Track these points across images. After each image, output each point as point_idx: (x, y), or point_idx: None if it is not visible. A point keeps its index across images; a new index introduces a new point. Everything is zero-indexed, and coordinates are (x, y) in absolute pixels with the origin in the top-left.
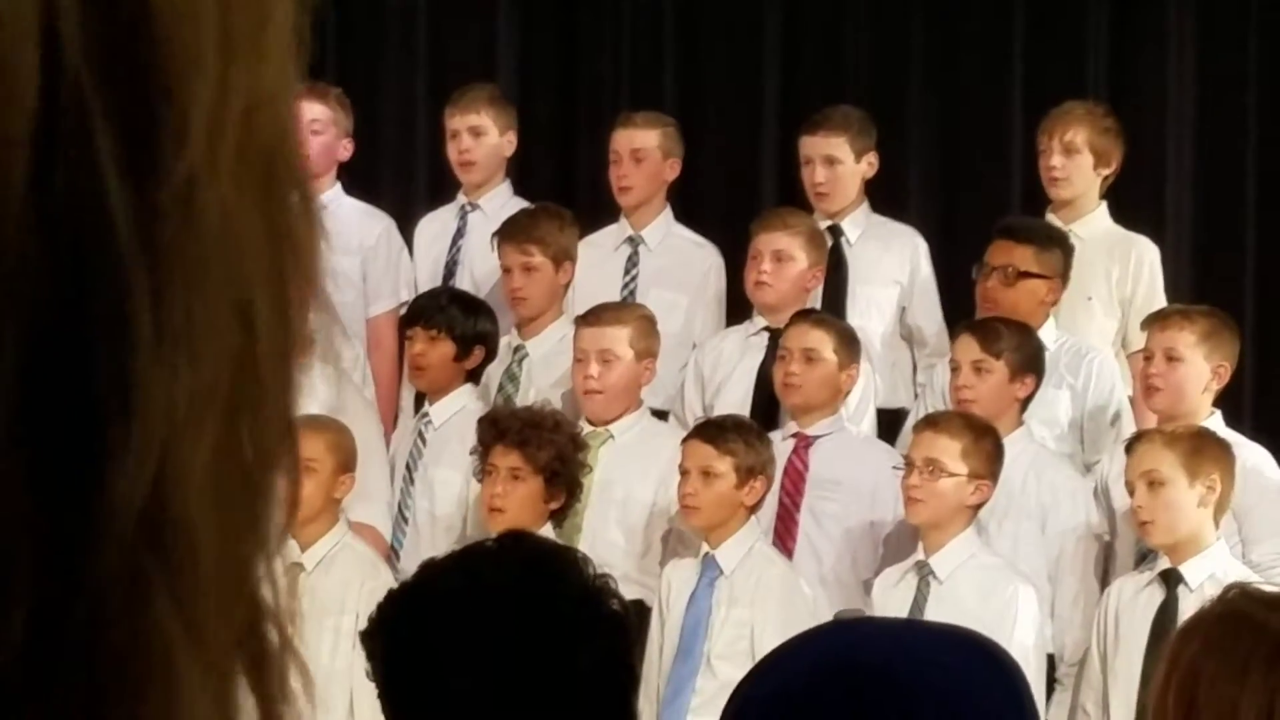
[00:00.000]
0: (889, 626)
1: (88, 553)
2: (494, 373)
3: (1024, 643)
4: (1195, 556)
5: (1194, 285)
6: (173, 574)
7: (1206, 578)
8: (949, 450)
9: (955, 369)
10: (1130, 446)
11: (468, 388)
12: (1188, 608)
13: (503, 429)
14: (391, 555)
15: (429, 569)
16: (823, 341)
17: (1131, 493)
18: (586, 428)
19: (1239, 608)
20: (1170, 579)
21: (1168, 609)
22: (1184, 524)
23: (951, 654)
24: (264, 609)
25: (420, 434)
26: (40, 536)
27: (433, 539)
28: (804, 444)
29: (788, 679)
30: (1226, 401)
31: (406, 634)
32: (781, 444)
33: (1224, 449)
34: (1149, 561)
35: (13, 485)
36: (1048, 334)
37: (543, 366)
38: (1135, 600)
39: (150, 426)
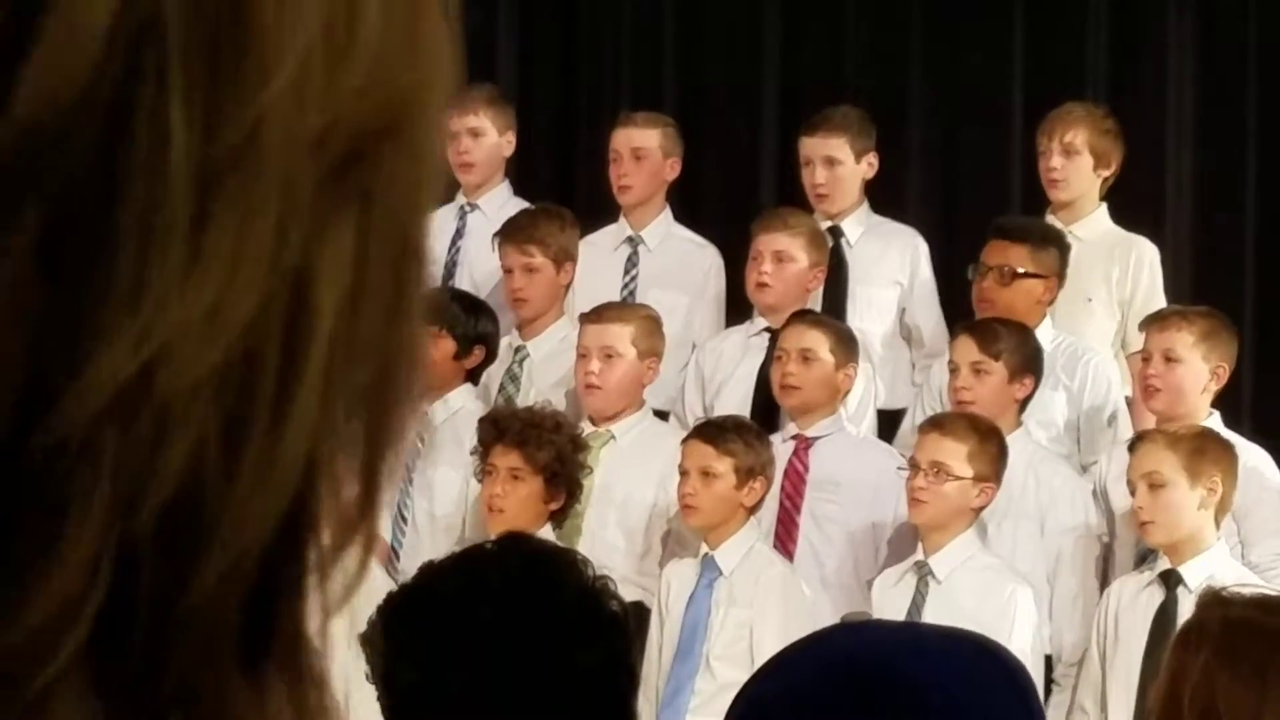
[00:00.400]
0: (897, 629)
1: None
2: (494, 373)
3: (1021, 644)
4: (1195, 558)
5: (1193, 287)
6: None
7: (1206, 579)
8: (955, 453)
9: (954, 370)
10: (1133, 446)
11: (466, 387)
12: (1187, 609)
13: (503, 429)
14: (391, 556)
15: (429, 571)
16: (819, 341)
17: (1133, 492)
18: (588, 428)
19: (1238, 615)
20: (1170, 580)
21: (1167, 610)
22: (1184, 525)
23: (960, 657)
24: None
25: (419, 434)
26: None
27: (432, 539)
28: (804, 445)
29: (796, 680)
30: (1226, 403)
31: (406, 636)
32: (781, 446)
33: (1227, 451)
34: (1149, 562)
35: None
36: (1044, 334)
37: (543, 367)
38: (1135, 601)
39: (150, 330)
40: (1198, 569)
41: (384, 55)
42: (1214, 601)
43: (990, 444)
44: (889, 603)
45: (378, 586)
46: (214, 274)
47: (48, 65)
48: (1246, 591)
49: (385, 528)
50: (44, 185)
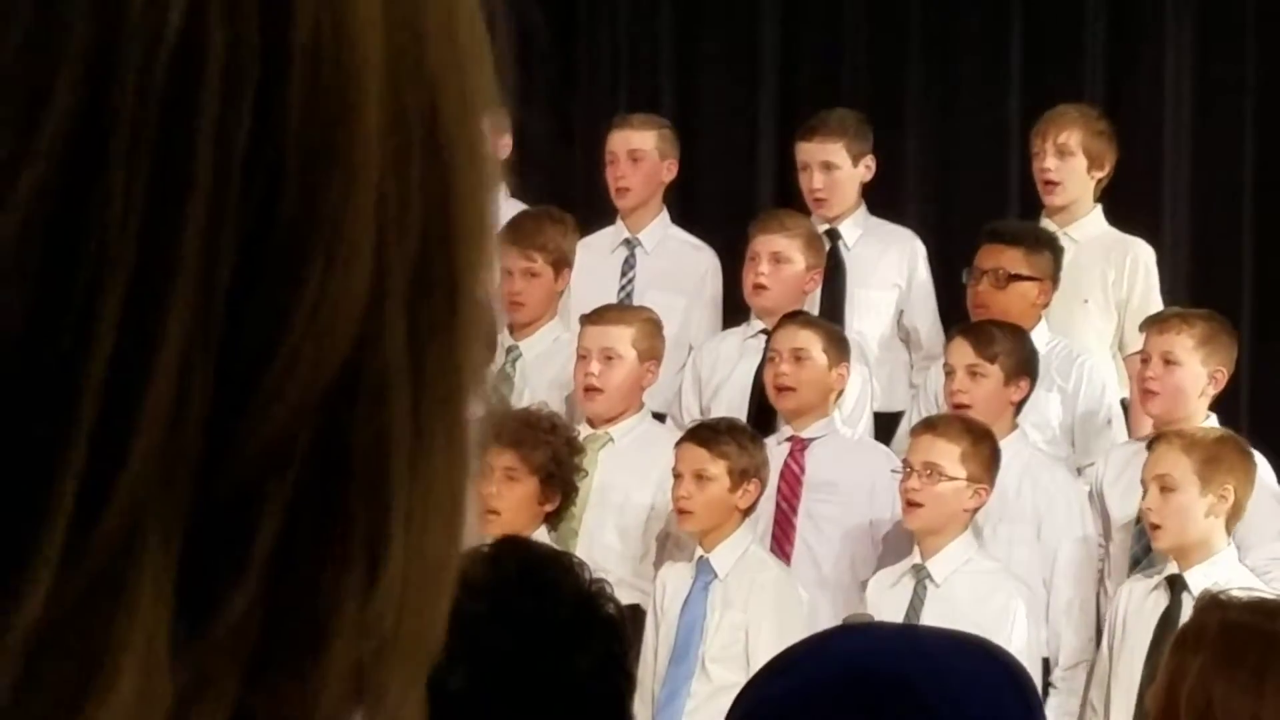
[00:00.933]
0: (900, 631)
1: (310, 655)
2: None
3: (1018, 647)
4: (1202, 563)
5: (1191, 290)
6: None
7: (1211, 585)
8: (948, 454)
9: (949, 373)
10: (1150, 445)
11: None
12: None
13: (497, 428)
14: None
15: None
16: (811, 341)
17: (1145, 491)
18: (586, 430)
19: (1234, 619)
20: (1175, 585)
21: (1171, 615)
22: (1191, 531)
23: (964, 661)
24: None
25: None
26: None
27: None
28: (799, 447)
29: (798, 681)
30: (1223, 405)
31: None
32: (777, 448)
33: (1243, 457)
34: (1150, 565)
35: (262, 596)
36: (1039, 336)
37: (536, 367)
38: (1143, 603)
39: (391, 582)
40: (1204, 576)
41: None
42: (1212, 605)
43: (983, 445)
44: (886, 605)
45: None
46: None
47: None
48: (1244, 595)
49: None
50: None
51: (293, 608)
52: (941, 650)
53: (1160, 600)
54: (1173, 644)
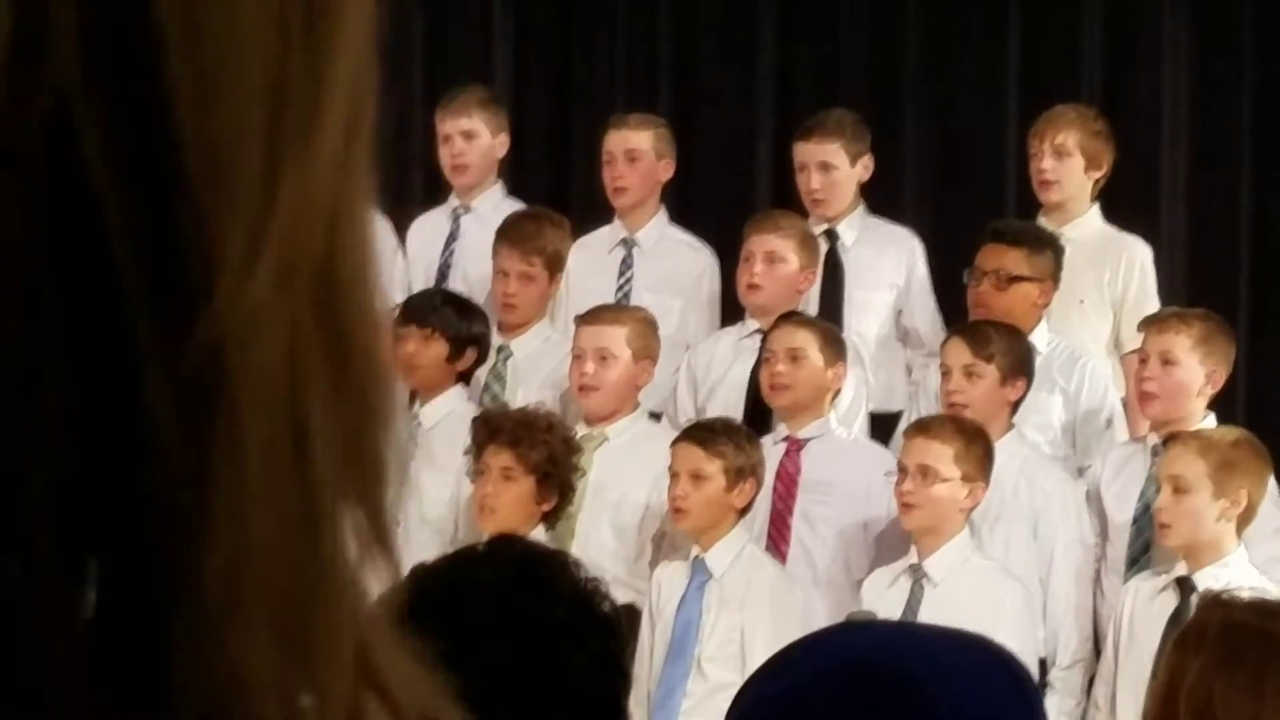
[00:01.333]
0: (903, 629)
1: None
2: (479, 373)
3: (1016, 646)
4: (1212, 565)
5: (1188, 290)
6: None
7: (1221, 587)
8: (942, 456)
9: (946, 373)
10: (1166, 443)
11: (458, 389)
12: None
13: (496, 428)
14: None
15: (419, 573)
16: (808, 341)
17: (1157, 490)
18: (582, 430)
19: (1236, 619)
20: (1185, 587)
21: (1180, 617)
22: (1201, 534)
23: (966, 659)
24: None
25: (410, 436)
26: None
27: (422, 541)
28: (795, 447)
29: (799, 678)
30: (1219, 405)
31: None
32: (773, 448)
33: (1259, 461)
34: (1156, 565)
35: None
36: (1040, 337)
37: (528, 366)
38: (1151, 604)
39: (200, 610)
40: (1214, 578)
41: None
42: (1214, 604)
43: (976, 444)
44: (883, 605)
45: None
46: (226, 528)
47: None
48: (1246, 595)
49: None
50: None
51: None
52: (942, 648)
53: (1169, 601)
54: (1173, 643)
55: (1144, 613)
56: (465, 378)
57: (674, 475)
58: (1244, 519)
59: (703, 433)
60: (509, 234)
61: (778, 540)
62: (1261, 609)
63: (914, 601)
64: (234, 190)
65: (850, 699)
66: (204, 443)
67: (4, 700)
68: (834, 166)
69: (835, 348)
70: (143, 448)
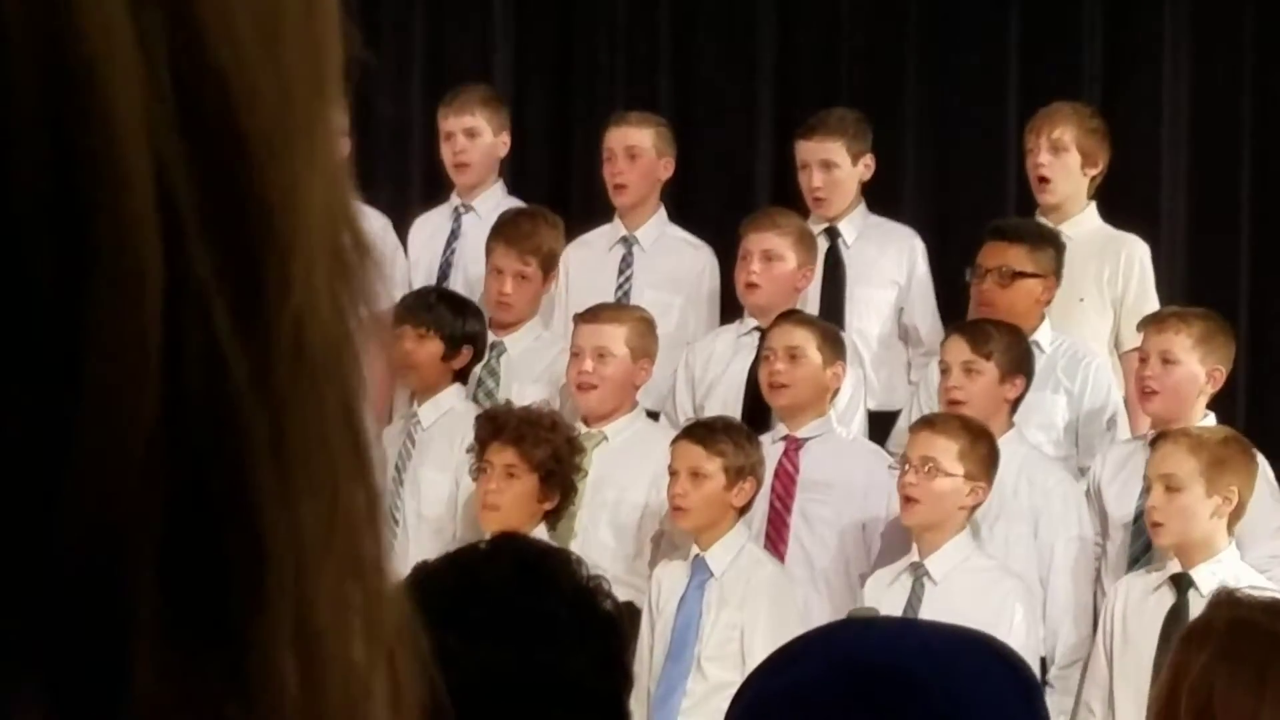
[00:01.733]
0: (905, 626)
1: (249, 711)
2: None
3: (1017, 645)
4: (1207, 561)
5: (1188, 287)
6: (309, 692)
7: (1219, 583)
8: (946, 450)
9: (945, 370)
10: (1155, 442)
11: (456, 388)
12: (1198, 612)
13: (500, 425)
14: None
15: (421, 571)
16: (806, 339)
17: (1148, 489)
18: (580, 428)
19: (1245, 616)
20: (1181, 583)
21: (1179, 614)
22: (1195, 532)
23: (968, 657)
24: (399, 677)
25: (409, 434)
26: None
27: (420, 540)
28: (794, 446)
29: (801, 675)
30: (1219, 403)
31: None
32: (771, 446)
33: (1248, 458)
34: (1151, 563)
35: (163, 679)
36: (1044, 336)
37: (520, 363)
38: (1144, 602)
39: (281, 576)
40: (1210, 574)
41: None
42: (1225, 602)
43: (981, 444)
44: (884, 603)
45: None
46: (306, 496)
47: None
48: (1260, 595)
49: None
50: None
51: (204, 681)
52: (944, 645)
53: (1165, 599)
54: (1180, 638)
55: (1137, 611)
56: (462, 376)
57: (673, 474)
58: (1235, 516)
59: (702, 431)
60: (504, 233)
61: (776, 539)
62: (1271, 608)
63: (914, 600)
64: (296, 207)
65: (851, 696)
66: (288, 421)
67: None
68: (836, 165)
69: (834, 346)
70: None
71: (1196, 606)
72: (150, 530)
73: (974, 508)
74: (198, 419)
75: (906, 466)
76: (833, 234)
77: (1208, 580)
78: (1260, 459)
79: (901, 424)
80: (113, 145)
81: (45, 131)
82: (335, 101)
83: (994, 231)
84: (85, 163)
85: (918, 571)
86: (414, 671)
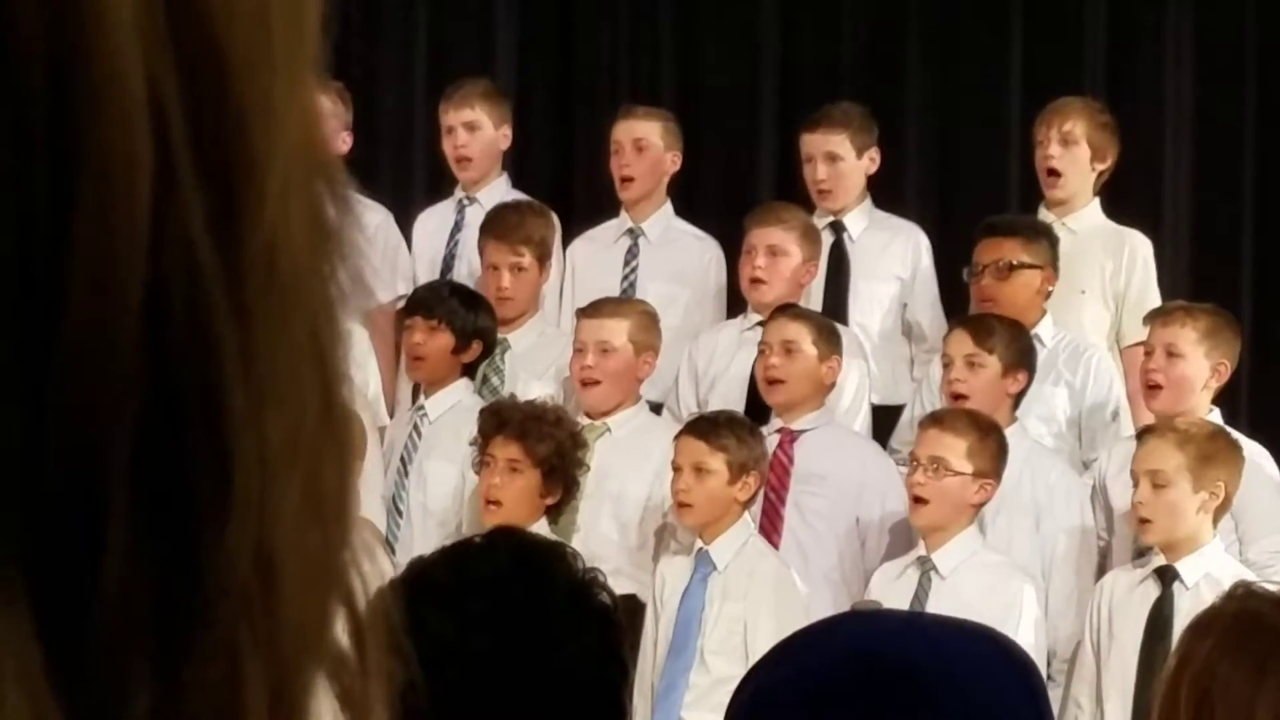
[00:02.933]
0: (908, 619)
1: (198, 625)
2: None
3: (1025, 640)
4: (1191, 554)
5: (1191, 284)
6: (258, 623)
7: (1202, 576)
8: (954, 448)
9: (948, 364)
10: (1141, 437)
11: (463, 382)
12: (1183, 605)
13: (504, 420)
14: (386, 548)
15: (417, 565)
16: (801, 333)
17: (1135, 484)
18: (584, 421)
19: (1253, 608)
20: (1166, 576)
21: (1163, 606)
22: (1182, 527)
23: (971, 649)
24: (360, 618)
25: (415, 427)
26: (157, 617)
27: (425, 532)
28: (789, 438)
29: (805, 666)
30: (1224, 399)
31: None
32: (767, 439)
33: (1235, 453)
34: (1144, 557)
35: (133, 572)
36: (1046, 330)
37: (525, 359)
38: (1130, 596)
39: (247, 490)
40: (1194, 566)
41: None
42: (1237, 594)
43: (990, 440)
44: (890, 596)
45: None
46: (273, 412)
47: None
48: (1275, 589)
49: (381, 520)
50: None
51: (168, 579)
52: (947, 638)
53: (1150, 592)
54: (1187, 627)
55: (1123, 604)
56: (471, 370)
57: (677, 468)
58: (1221, 510)
59: (706, 426)
60: (493, 228)
61: (770, 531)
62: None
63: (922, 594)
64: (271, 130)
65: (855, 688)
66: (255, 331)
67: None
68: (840, 157)
69: (831, 341)
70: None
71: (1181, 599)
72: (127, 425)
73: (982, 504)
74: (176, 316)
75: (914, 465)
76: (838, 228)
77: (1192, 573)
78: (1263, 453)
79: (904, 420)
80: (107, 41)
81: (42, 31)
82: (312, 43)
83: (987, 228)
84: (81, 59)
85: (925, 566)
86: (380, 626)
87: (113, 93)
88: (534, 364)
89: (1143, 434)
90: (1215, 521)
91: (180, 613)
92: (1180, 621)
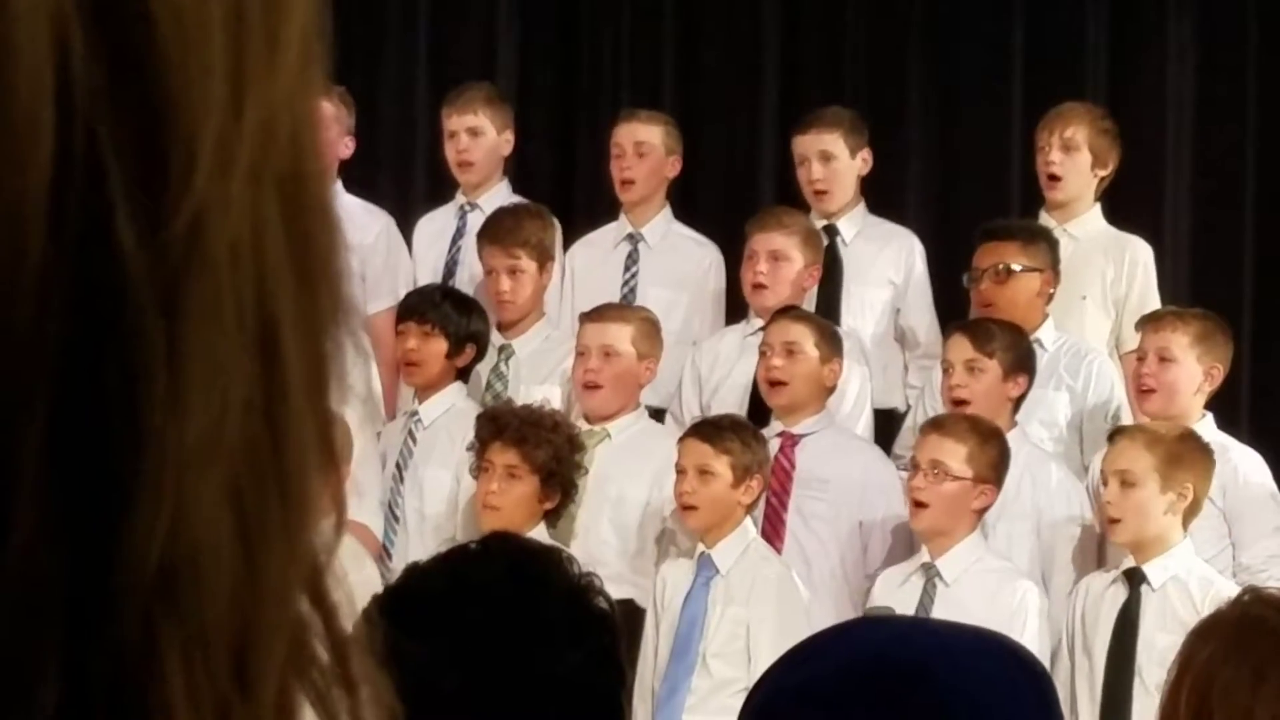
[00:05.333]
0: (922, 626)
1: (109, 614)
2: (481, 371)
3: (1030, 645)
4: (1159, 556)
5: (1192, 288)
6: (182, 620)
7: (1170, 578)
8: (954, 453)
9: (948, 369)
10: (1112, 437)
11: (457, 386)
12: (1149, 607)
13: (501, 426)
14: (382, 555)
15: (412, 572)
16: (804, 335)
17: (1105, 484)
18: (583, 426)
19: (1256, 613)
20: (1134, 578)
21: (1130, 608)
22: (1150, 527)
23: (985, 656)
24: (305, 627)
25: (410, 432)
26: (67, 604)
27: (422, 538)
28: (790, 442)
29: (817, 672)
30: (1223, 403)
31: (391, 639)
32: (769, 442)
33: (1204, 455)
34: (1114, 559)
35: (40, 553)
36: (1047, 334)
37: (529, 365)
38: (1101, 598)
39: (162, 477)
40: (1161, 568)
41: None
42: (1243, 599)
43: (990, 446)
44: (895, 603)
45: (363, 579)
46: (198, 395)
47: None
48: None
49: (378, 525)
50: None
51: (79, 567)
52: (960, 644)
53: (1119, 595)
54: (1191, 632)
55: (1094, 607)
56: (464, 374)
57: (681, 471)
58: (1189, 513)
59: (710, 429)
60: (489, 232)
61: (772, 535)
62: None
63: (926, 600)
64: (205, 106)
65: (867, 693)
66: (180, 315)
67: None
68: (834, 156)
69: (832, 343)
70: (119, 323)
71: (1148, 600)
72: (38, 404)
73: (984, 509)
74: (88, 296)
75: (914, 470)
76: (831, 232)
77: (1159, 574)
78: (1259, 459)
79: (908, 425)
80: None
81: None
82: (296, 46)
83: (985, 234)
84: None
85: (929, 572)
86: (367, 637)
87: (10, 54)
88: (538, 369)
89: (1114, 434)
90: (1185, 524)
91: (91, 604)
92: (1147, 624)
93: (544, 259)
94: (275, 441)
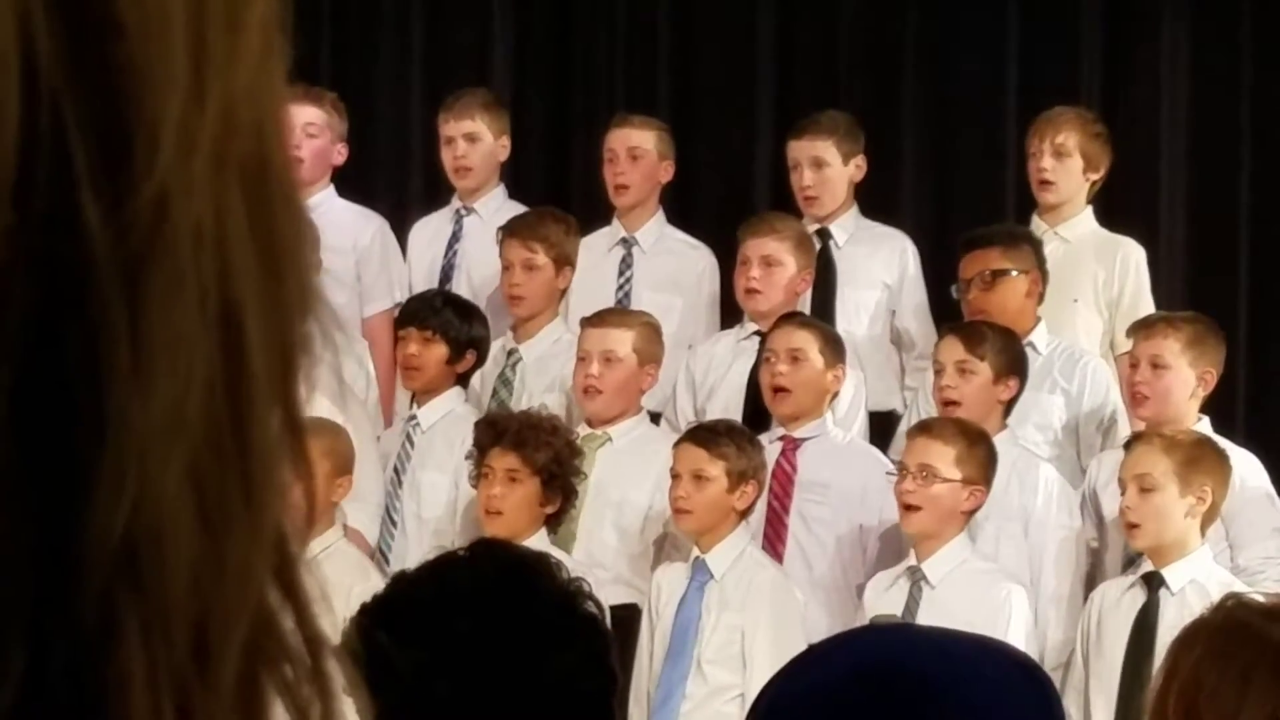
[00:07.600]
0: (928, 634)
1: (71, 589)
2: (488, 376)
3: (1016, 646)
4: (1178, 561)
5: (1187, 291)
6: (143, 597)
7: (1188, 582)
8: (943, 456)
9: (939, 371)
10: (1129, 444)
11: (456, 391)
12: (1169, 611)
13: (500, 430)
14: (379, 558)
15: (401, 580)
16: (808, 342)
17: (1123, 490)
18: (584, 431)
19: (1240, 617)
20: (1152, 582)
21: (1149, 612)
22: (1169, 532)
23: (989, 665)
24: (271, 616)
25: (408, 437)
26: (29, 580)
27: (420, 542)
28: (791, 447)
29: (825, 678)
30: (1219, 407)
31: (381, 646)
32: (769, 447)
33: (1221, 459)
34: (1134, 565)
35: (3, 528)
36: (1040, 337)
37: (536, 370)
38: (1119, 603)
39: (124, 455)
40: (1180, 572)
41: (245, 83)
42: (1226, 604)
43: (978, 448)
44: (881, 607)
45: (368, 590)
46: (161, 374)
47: None
48: (1267, 599)
49: (373, 531)
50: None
51: (42, 542)
52: (965, 652)
53: (1137, 599)
54: (1176, 638)
55: (1111, 612)
56: (464, 380)
57: (676, 476)
58: (1208, 517)
59: (705, 434)
60: (511, 227)
61: (774, 540)
62: (1270, 612)
63: (912, 604)
64: (168, 87)
65: (872, 700)
66: (143, 294)
67: None
68: (826, 163)
69: (835, 349)
70: (82, 306)
71: (1166, 604)
72: (0, 378)
73: (972, 511)
74: (53, 273)
75: (904, 473)
76: (824, 235)
77: (1178, 579)
78: (1256, 461)
79: (902, 429)
80: None
81: None
82: (261, 35)
83: (967, 243)
84: None
85: (915, 576)
86: (348, 640)
87: None
88: (545, 374)
89: (1130, 441)
90: (1203, 529)
91: (53, 579)
92: (1165, 628)
93: (561, 261)
94: (237, 423)
